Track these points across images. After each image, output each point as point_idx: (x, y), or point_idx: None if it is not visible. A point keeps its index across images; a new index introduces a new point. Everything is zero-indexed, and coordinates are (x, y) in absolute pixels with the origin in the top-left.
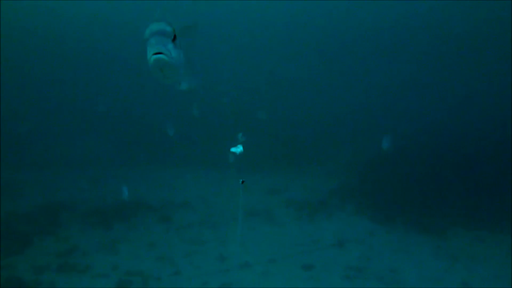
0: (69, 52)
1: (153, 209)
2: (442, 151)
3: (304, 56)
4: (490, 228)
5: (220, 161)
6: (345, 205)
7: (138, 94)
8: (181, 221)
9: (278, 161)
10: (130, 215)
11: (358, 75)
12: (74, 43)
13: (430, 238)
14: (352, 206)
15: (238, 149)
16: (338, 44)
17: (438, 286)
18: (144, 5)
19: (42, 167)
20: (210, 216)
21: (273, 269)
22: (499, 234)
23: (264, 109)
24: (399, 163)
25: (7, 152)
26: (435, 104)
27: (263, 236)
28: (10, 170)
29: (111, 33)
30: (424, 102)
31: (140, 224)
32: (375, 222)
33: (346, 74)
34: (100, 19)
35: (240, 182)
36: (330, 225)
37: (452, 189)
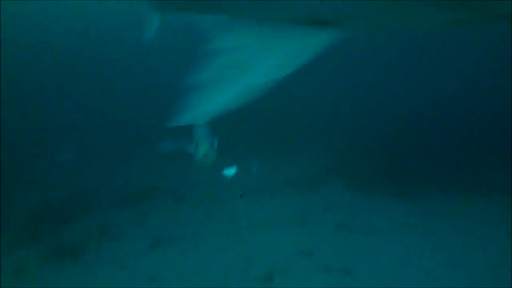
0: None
1: (169, 190)
2: (422, 133)
3: None
4: (460, 192)
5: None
6: (334, 180)
7: (142, 94)
8: (194, 198)
9: (275, 144)
10: (151, 197)
11: (352, 68)
12: None
13: (406, 201)
14: (340, 181)
15: (231, 171)
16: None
17: (407, 233)
18: None
19: (61, 162)
20: (217, 194)
21: (275, 227)
22: (469, 196)
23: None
24: (382, 144)
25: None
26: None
27: (264, 206)
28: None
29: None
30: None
31: (160, 203)
32: (359, 193)
33: (339, 63)
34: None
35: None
36: (320, 196)
37: (427, 163)
